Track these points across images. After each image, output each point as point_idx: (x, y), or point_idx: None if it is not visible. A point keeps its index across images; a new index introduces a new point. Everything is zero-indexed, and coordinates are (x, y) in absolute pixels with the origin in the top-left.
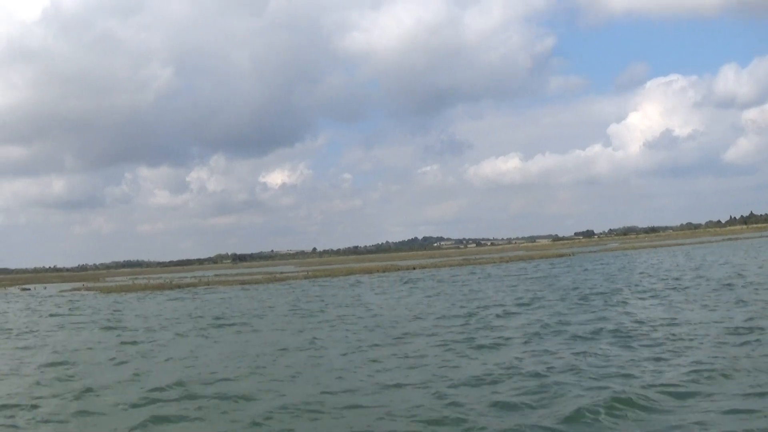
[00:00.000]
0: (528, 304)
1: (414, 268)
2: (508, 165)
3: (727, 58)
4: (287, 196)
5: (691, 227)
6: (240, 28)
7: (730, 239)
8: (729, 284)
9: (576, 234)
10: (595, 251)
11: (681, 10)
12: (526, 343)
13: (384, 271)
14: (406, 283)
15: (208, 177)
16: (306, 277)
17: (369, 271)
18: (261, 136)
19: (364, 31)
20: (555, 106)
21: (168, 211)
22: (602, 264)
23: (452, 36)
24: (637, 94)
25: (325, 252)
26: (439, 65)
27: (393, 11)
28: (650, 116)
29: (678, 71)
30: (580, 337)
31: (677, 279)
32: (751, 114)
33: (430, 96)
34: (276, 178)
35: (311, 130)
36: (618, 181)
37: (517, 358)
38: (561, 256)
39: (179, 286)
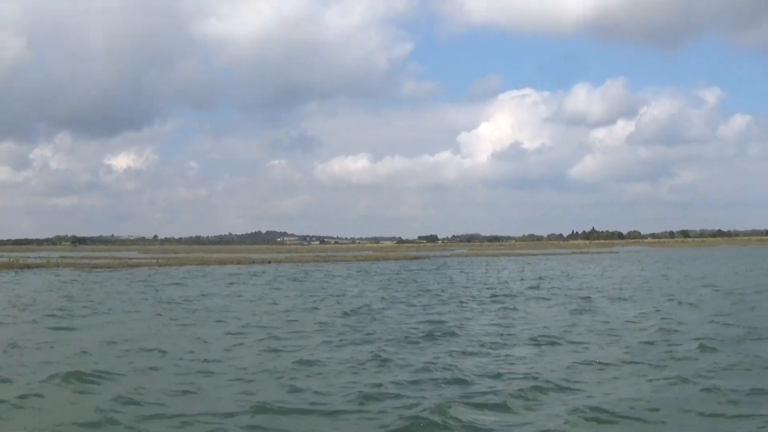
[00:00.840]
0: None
1: (269, 262)
2: (357, 165)
3: (580, 77)
4: (131, 181)
5: (533, 239)
6: (97, 5)
7: (581, 252)
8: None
9: (420, 238)
10: (447, 255)
11: (538, 26)
12: None
13: (239, 263)
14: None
15: (52, 155)
16: (159, 264)
17: (223, 262)
18: (109, 117)
19: (223, 18)
20: (408, 110)
21: (8, 188)
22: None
23: (312, 32)
24: (489, 104)
25: (167, 240)
26: (296, 60)
27: (254, 1)
28: (501, 127)
29: (531, 86)
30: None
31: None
32: (599, 133)
33: (284, 90)
34: (121, 161)
35: (161, 115)
36: (464, 188)
37: None
38: (416, 258)
39: (27, 266)
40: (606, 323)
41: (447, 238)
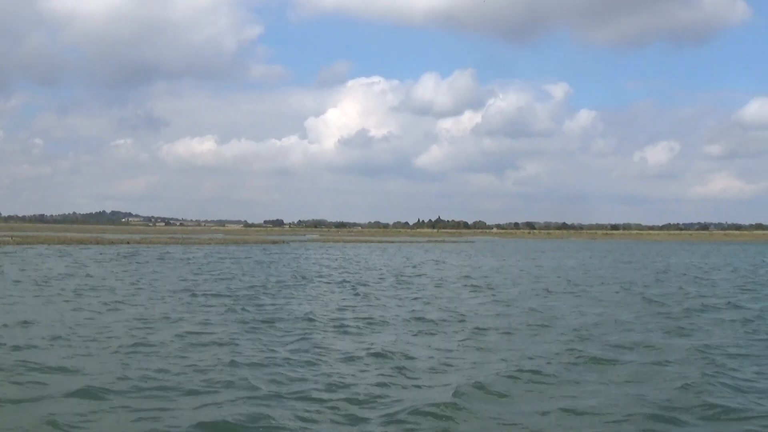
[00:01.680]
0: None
1: (128, 243)
2: (203, 147)
3: (429, 67)
4: None
5: (379, 226)
6: None
7: (438, 241)
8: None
9: (266, 222)
10: (304, 240)
11: (390, 14)
12: None
13: (98, 243)
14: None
15: None
16: (17, 243)
17: (83, 242)
18: None
19: None
20: (256, 94)
21: None
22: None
23: (160, 11)
24: (338, 91)
25: (10, 218)
26: (144, 39)
27: None
28: (348, 114)
29: (381, 74)
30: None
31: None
32: (446, 123)
33: (132, 69)
34: None
35: (5, 90)
36: (311, 173)
37: None
38: (276, 242)
39: None
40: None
41: (293, 223)
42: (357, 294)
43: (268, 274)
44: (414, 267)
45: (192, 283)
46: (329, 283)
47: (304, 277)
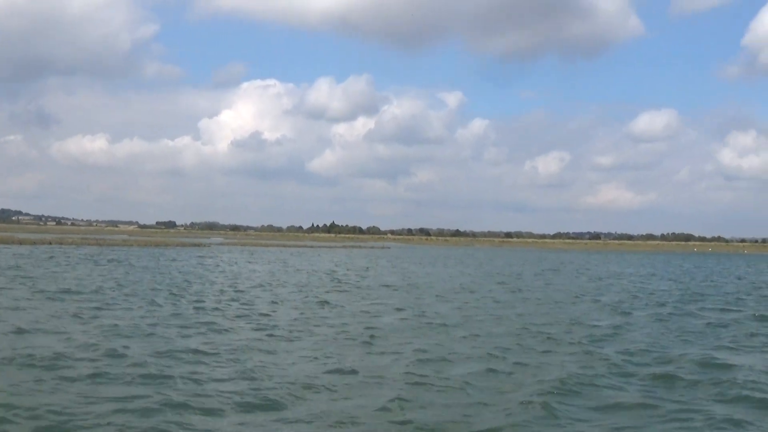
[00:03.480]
0: None
1: (50, 243)
2: (94, 145)
3: (324, 71)
4: None
5: (273, 229)
6: None
7: (354, 247)
8: None
9: (158, 223)
10: (207, 243)
11: (287, 17)
12: None
13: (20, 243)
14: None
15: None
16: None
17: None
18: None
19: None
20: (150, 93)
21: None
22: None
23: (55, 5)
24: (232, 92)
25: None
26: (37, 33)
27: None
28: (242, 116)
29: (276, 77)
30: None
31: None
32: (339, 128)
33: (24, 63)
34: None
35: None
36: (204, 175)
37: None
38: (199, 245)
39: None
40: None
41: (186, 225)
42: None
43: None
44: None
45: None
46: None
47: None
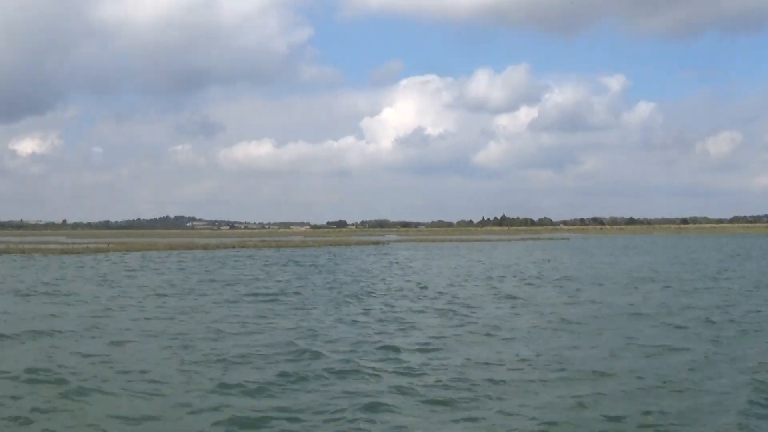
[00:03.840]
0: None
1: (233, 247)
2: (260, 150)
3: (482, 62)
4: (37, 166)
5: (443, 224)
6: None
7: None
8: None
9: (329, 223)
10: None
11: (436, 11)
12: None
13: (182, 248)
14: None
15: None
16: (129, 250)
17: (173, 248)
18: (11, 102)
19: (119, 3)
20: (309, 96)
21: None
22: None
23: (209, 16)
24: (392, 90)
25: (78, 225)
26: (195, 45)
27: None
28: (403, 113)
29: (434, 71)
30: None
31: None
32: (502, 120)
33: (185, 75)
34: (26, 146)
35: (63, 100)
36: (369, 173)
37: None
38: (377, 243)
39: None
40: None
41: (356, 224)
42: None
43: None
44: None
45: None
46: None
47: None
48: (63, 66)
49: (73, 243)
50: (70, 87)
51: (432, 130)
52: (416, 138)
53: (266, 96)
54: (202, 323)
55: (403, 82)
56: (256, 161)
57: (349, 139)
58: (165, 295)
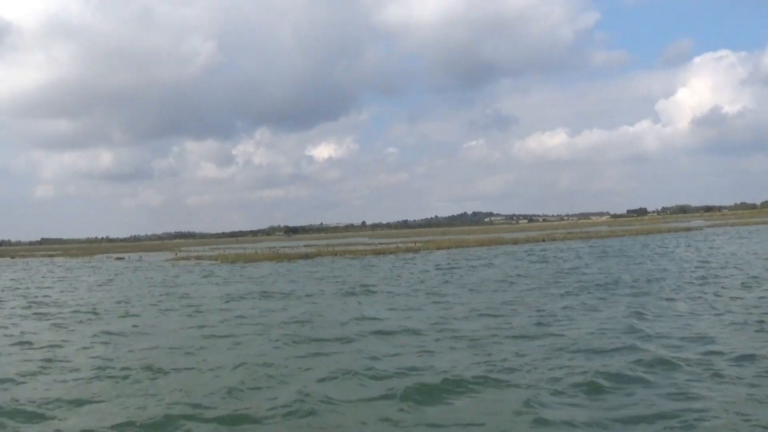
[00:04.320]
0: None
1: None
2: (554, 140)
3: None
4: (333, 170)
5: (746, 207)
6: (281, 2)
7: None
8: None
9: (629, 212)
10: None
11: None
12: None
13: (492, 244)
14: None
15: (254, 150)
16: (439, 248)
17: (482, 243)
18: (305, 110)
19: (402, 4)
20: (600, 82)
21: (215, 183)
22: None
23: (492, 9)
24: (685, 69)
25: (376, 225)
26: (480, 39)
27: None
28: (699, 92)
29: (727, 46)
30: None
31: None
32: None
33: (472, 70)
34: (322, 151)
35: (355, 104)
36: (667, 157)
37: None
38: (689, 230)
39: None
40: None
41: (657, 210)
42: None
43: None
44: None
45: None
46: None
47: None
48: (353, 71)
49: (380, 243)
50: (361, 91)
51: (729, 108)
52: (713, 117)
53: (556, 85)
54: None
55: (696, 59)
56: (550, 152)
57: (645, 123)
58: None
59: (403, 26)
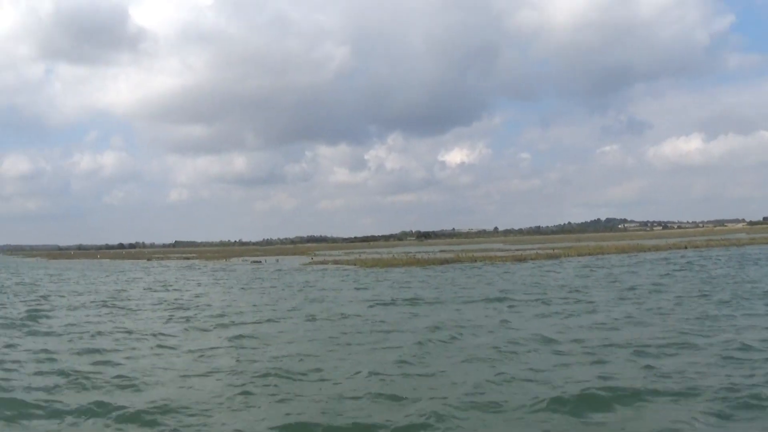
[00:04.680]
0: None
1: (685, 247)
2: (689, 146)
3: None
4: (466, 175)
5: None
6: (413, 7)
7: None
8: None
9: (765, 219)
10: None
11: None
12: None
13: (632, 251)
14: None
15: (386, 155)
16: (580, 254)
17: (621, 250)
18: (438, 114)
19: (535, 8)
20: (736, 85)
21: (347, 188)
22: None
23: (625, 13)
24: None
25: (509, 231)
26: (613, 43)
27: None
28: None
29: None
30: None
31: None
32: None
33: (605, 74)
34: (454, 156)
35: (488, 109)
36: None
37: None
38: None
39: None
40: None
41: None
42: None
43: None
44: None
45: None
46: None
47: None
48: (486, 76)
49: (516, 249)
50: (494, 96)
51: None
52: None
53: (690, 89)
54: None
55: None
56: (685, 157)
57: None
58: None
59: (536, 30)
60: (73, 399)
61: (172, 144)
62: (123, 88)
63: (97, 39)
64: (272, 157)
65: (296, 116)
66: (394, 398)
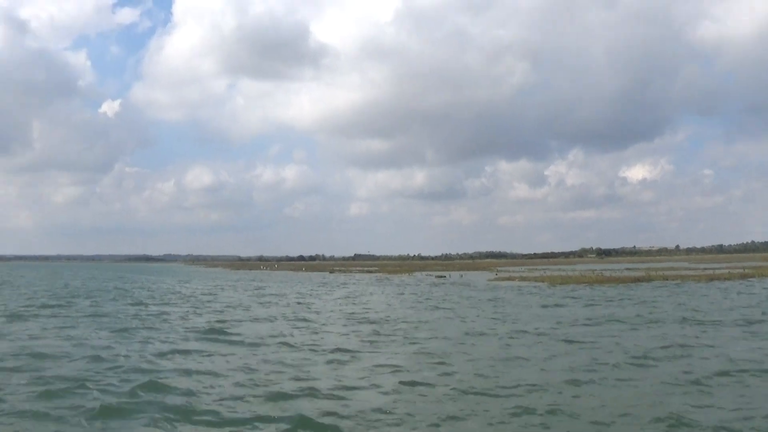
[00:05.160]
0: None
1: None
2: None
3: None
4: (647, 192)
5: None
6: (593, 21)
7: None
8: None
9: None
10: None
11: None
12: None
13: None
14: None
15: (567, 171)
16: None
17: None
18: (619, 130)
19: (716, 20)
20: None
21: (527, 203)
22: None
23: None
24: None
25: (691, 249)
26: None
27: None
28: None
29: None
30: None
31: None
32: None
33: None
34: (636, 172)
35: (670, 124)
36: None
37: None
38: None
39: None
40: None
41: None
42: None
43: None
44: None
45: None
46: None
47: None
48: (668, 90)
49: (705, 268)
50: (677, 110)
51: None
52: None
53: None
54: None
55: None
56: None
57: None
58: None
59: (718, 43)
60: None
61: (353, 158)
62: (305, 102)
63: (279, 55)
64: (451, 172)
65: (476, 131)
66: None
